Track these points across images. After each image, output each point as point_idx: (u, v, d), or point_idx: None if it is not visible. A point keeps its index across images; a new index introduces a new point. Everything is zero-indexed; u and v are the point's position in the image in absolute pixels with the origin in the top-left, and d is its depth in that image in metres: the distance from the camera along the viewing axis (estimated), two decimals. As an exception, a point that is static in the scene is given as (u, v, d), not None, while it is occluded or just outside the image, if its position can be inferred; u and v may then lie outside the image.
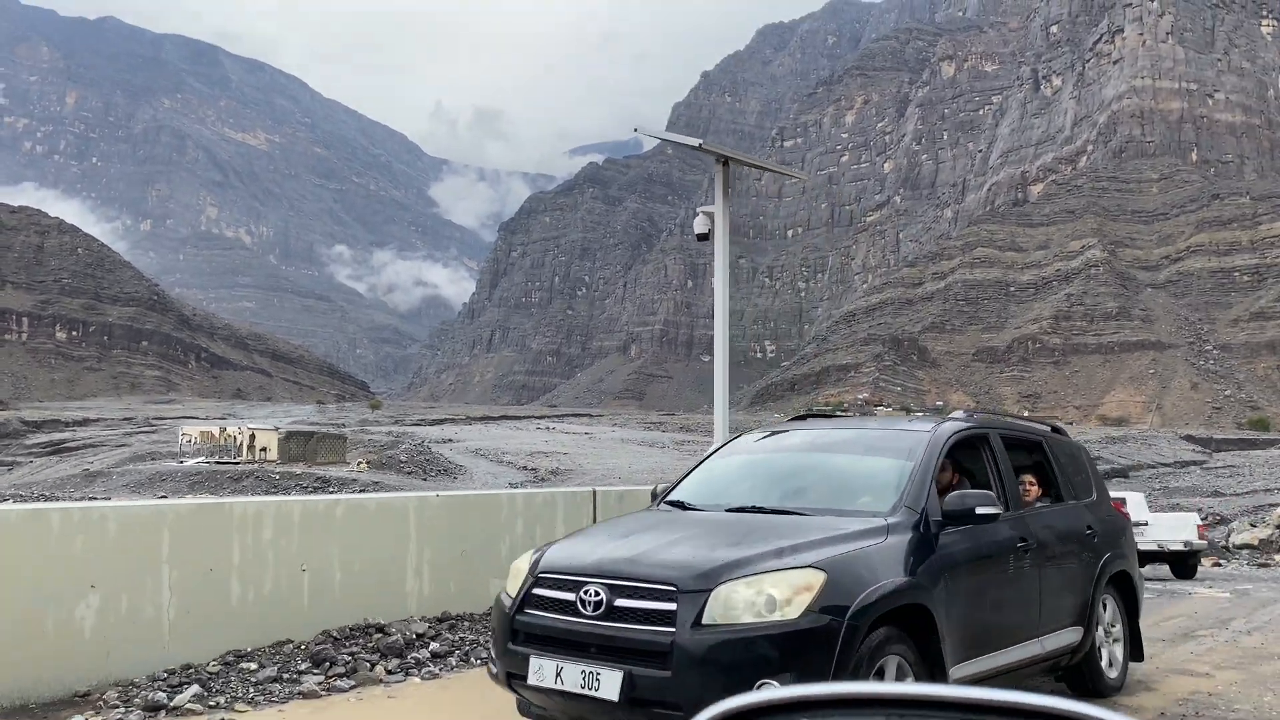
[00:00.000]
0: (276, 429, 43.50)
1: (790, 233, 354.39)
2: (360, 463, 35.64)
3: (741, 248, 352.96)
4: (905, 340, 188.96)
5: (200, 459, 42.13)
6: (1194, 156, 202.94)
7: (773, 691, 1.16)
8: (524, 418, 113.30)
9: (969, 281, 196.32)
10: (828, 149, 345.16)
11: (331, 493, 29.24)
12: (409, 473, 33.98)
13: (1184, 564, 18.71)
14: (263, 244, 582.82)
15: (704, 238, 10.85)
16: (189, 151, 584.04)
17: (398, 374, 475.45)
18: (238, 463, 38.60)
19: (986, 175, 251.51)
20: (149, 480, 34.16)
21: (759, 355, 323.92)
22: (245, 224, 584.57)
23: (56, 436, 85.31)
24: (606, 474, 35.67)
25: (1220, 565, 20.74)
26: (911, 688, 1.19)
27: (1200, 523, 18.92)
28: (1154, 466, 64.11)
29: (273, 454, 40.19)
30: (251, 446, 42.87)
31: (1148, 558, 18.54)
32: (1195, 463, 67.38)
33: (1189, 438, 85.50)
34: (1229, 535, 23.59)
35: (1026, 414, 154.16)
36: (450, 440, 53.46)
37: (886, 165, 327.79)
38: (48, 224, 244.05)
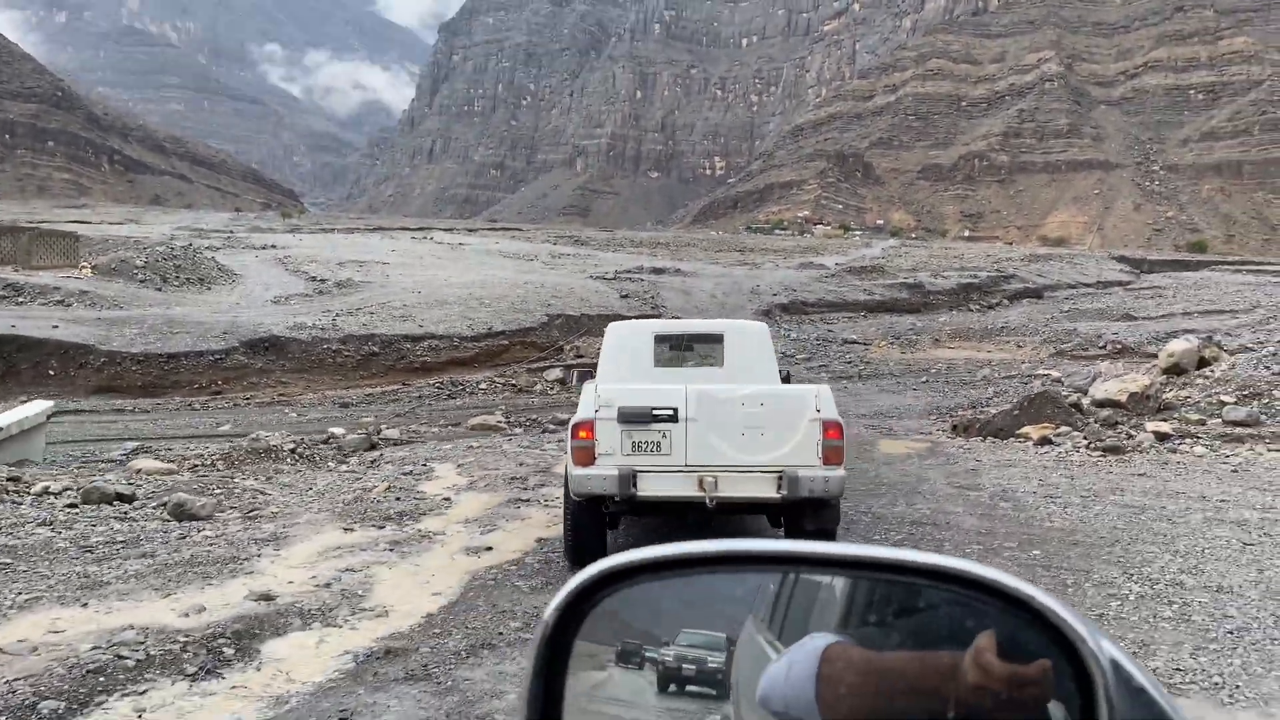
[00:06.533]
0: (-17, 224, 37.29)
1: (745, 41, 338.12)
2: (84, 267, 29.69)
3: (694, 56, 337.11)
4: (850, 156, 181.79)
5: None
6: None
7: (653, 550, 1.15)
8: (441, 229, 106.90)
9: (920, 95, 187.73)
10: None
11: (19, 302, 23.28)
12: (141, 281, 28.08)
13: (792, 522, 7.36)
14: (190, 42, 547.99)
15: None
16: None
17: (337, 184, 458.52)
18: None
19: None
20: None
21: (708, 172, 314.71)
22: (171, 18, 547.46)
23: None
24: (407, 289, 30.05)
25: (1050, 444, 13.16)
26: (802, 545, 1.19)
27: (830, 429, 7.00)
28: (1074, 286, 59.90)
29: (-24, 253, 34.16)
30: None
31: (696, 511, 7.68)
32: (1120, 284, 63.39)
33: (1121, 258, 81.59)
34: (1093, 381, 17.65)
35: (968, 234, 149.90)
36: (273, 246, 47.15)
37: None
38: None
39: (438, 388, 22.31)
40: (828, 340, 32.78)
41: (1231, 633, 5.64)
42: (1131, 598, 6.35)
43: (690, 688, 1.25)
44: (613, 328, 9.01)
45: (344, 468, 11.86)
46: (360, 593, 6.67)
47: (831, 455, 6.91)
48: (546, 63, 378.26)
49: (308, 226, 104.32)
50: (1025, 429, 14.17)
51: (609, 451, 6.97)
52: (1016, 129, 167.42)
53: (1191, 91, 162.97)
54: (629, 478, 6.87)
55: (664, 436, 7.00)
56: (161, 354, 19.69)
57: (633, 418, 6.99)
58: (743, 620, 1.23)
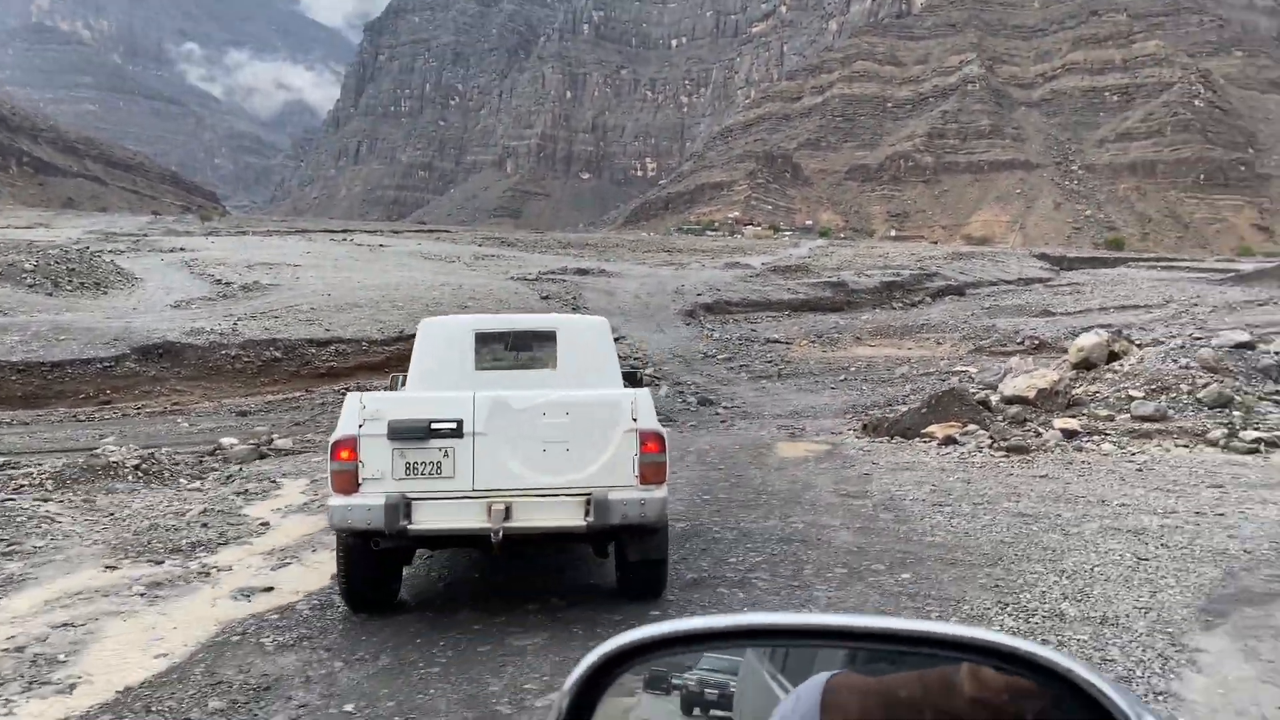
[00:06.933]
0: None
1: (674, 43, 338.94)
2: (-41, 274, 28.30)
3: (624, 57, 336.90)
4: (779, 157, 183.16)
5: None
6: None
7: (677, 623, 1.19)
8: (364, 231, 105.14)
9: (846, 96, 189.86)
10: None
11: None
12: (30, 285, 26.61)
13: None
14: (104, 40, 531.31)
15: None
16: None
17: (260, 186, 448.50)
18: None
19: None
20: None
21: (639, 173, 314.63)
22: (83, 16, 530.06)
23: None
24: (317, 291, 29.06)
25: (955, 443, 12.69)
26: (825, 618, 1.21)
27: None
28: (995, 284, 60.85)
29: None
30: None
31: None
32: (1040, 280, 64.63)
33: (1042, 256, 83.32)
34: (1003, 377, 17.36)
35: (894, 233, 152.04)
36: (182, 250, 45.58)
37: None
38: None
39: (342, 394, 21.47)
40: (750, 339, 32.59)
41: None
42: (1002, 636, 5.77)
43: (713, 711, 1.34)
44: (425, 324, 7.33)
45: (193, 485, 10.97)
46: (62, 657, 5.40)
47: (650, 473, 5.77)
48: (475, 63, 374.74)
49: (226, 230, 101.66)
50: (931, 428, 13.68)
51: (376, 475, 5.72)
52: (940, 130, 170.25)
53: (1106, 93, 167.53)
54: (398, 508, 5.62)
55: (446, 456, 5.73)
56: (44, 363, 18.53)
57: (406, 433, 5.68)
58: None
